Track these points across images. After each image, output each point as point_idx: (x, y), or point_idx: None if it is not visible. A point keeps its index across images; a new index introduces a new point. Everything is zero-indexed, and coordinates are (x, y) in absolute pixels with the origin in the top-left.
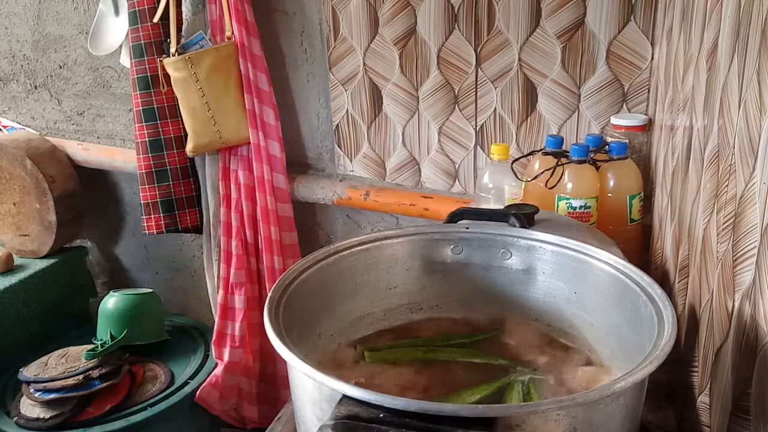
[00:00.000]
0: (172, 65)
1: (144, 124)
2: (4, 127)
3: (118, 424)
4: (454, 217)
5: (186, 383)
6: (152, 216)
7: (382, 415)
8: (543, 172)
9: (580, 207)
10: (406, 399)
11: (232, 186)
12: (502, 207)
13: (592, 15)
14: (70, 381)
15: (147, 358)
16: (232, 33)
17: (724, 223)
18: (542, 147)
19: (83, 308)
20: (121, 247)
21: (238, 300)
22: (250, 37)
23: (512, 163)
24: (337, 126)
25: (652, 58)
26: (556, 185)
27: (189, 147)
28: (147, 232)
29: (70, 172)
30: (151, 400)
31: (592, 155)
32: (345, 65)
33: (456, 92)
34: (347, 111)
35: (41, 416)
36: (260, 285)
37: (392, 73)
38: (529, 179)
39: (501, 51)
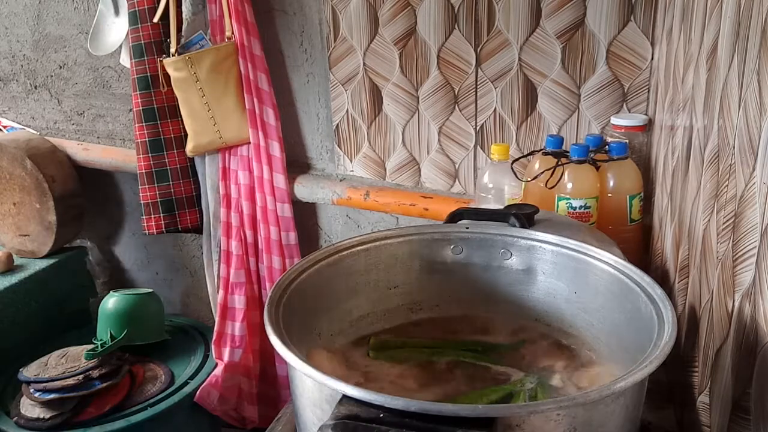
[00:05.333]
0: (172, 65)
1: (144, 124)
2: (4, 127)
3: (118, 424)
4: (454, 217)
5: (186, 383)
6: (152, 216)
7: (382, 415)
8: (543, 172)
9: (580, 207)
10: (406, 399)
11: (232, 186)
12: (502, 207)
13: (592, 15)
14: (70, 381)
15: (147, 358)
16: (232, 33)
17: (724, 223)
18: (542, 147)
19: (83, 308)
20: (121, 247)
21: (238, 300)
22: (250, 37)
23: (512, 163)
24: (337, 126)
25: (652, 58)
26: (556, 185)
27: (189, 147)
28: (147, 232)
29: (70, 172)
30: (151, 400)
31: (592, 155)
32: (345, 65)
33: (456, 92)
34: (347, 111)
35: (41, 416)
36: (260, 285)
37: (392, 73)
38: (529, 179)
39: (501, 51)
